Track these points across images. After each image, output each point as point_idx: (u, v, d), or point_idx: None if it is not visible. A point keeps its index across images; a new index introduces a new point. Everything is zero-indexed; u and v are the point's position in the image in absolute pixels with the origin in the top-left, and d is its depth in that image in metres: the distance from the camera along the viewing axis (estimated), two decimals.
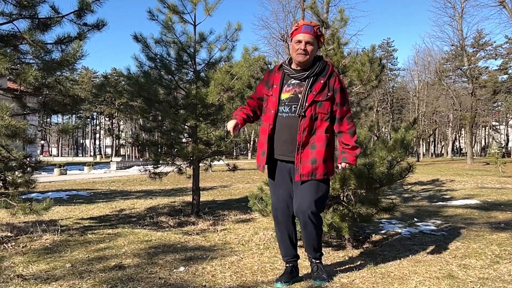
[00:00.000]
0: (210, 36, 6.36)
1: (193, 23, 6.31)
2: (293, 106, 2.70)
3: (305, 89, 2.68)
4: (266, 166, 2.83)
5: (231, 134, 2.88)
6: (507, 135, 60.45)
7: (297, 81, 2.74)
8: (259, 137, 2.90)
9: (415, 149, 44.25)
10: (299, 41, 2.69)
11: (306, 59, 2.70)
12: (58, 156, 71.03)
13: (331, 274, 3.00)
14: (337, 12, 4.75)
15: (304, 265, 3.14)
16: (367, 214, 4.03)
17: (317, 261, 2.88)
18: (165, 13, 6.17)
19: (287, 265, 2.88)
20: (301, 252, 3.04)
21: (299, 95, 2.69)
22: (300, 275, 2.93)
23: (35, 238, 4.33)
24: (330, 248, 3.93)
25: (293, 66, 2.79)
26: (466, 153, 36.99)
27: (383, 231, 4.79)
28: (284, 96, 2.74)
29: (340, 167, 2.84)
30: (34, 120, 15.79)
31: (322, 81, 2.70)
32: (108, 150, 79.74)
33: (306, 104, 2.66)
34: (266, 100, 2.83)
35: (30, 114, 4.83)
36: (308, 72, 2.71)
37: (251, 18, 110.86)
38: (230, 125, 2.77)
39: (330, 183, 3.69)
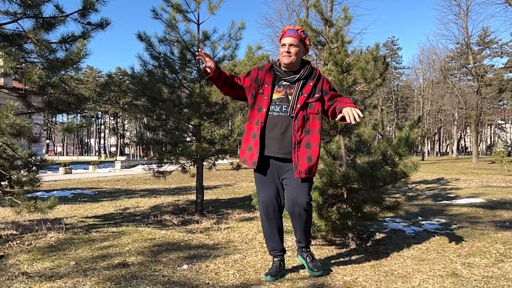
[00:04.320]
0: (213, 35, 6.38)
1: (196, 22, 6.31)
2: (283, 106, 2.84)
3: (296, 91, 2.84)
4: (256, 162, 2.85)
5: (202, 57, 2.83)
6: None
7: (287, 83, 2.89)
8: (244, 132, 2.97)
9: (420, 148, 44.07)
10: (284, 45, 2.87)
11: (290, 61, 2.85)
12: (63, 155, 71.49)
13: (334, 272, 3.00)
14: (341, 10, 4.75)
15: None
16: (371, 213, 4.02)
17: (308, 249, 3.02)
18: (168, 12, 6.19)
19: (275, 259, 2.98)
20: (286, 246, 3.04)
21: (289, 97, 2.84)
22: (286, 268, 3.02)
23: (39, 236, 4.36)
24: (333, 247, 3.92)
25: (283, 68, 2.93)
26: (471, 151, 36.78)
27: (387, 230, 4.78)
28: (275, 96, 2.87)
29: (348, 115, 2.59)
30: (39, 119, 15.86)
31: (311, 84, 2.87)
32: (113, 149, 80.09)
33: (298, 105, 2.80)
34: (255, 98, 2.92)
35: (35, 113, 4.85)
36: (298, 75, 2.87)
37: (255, 16, 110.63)
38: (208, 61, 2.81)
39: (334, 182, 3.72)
